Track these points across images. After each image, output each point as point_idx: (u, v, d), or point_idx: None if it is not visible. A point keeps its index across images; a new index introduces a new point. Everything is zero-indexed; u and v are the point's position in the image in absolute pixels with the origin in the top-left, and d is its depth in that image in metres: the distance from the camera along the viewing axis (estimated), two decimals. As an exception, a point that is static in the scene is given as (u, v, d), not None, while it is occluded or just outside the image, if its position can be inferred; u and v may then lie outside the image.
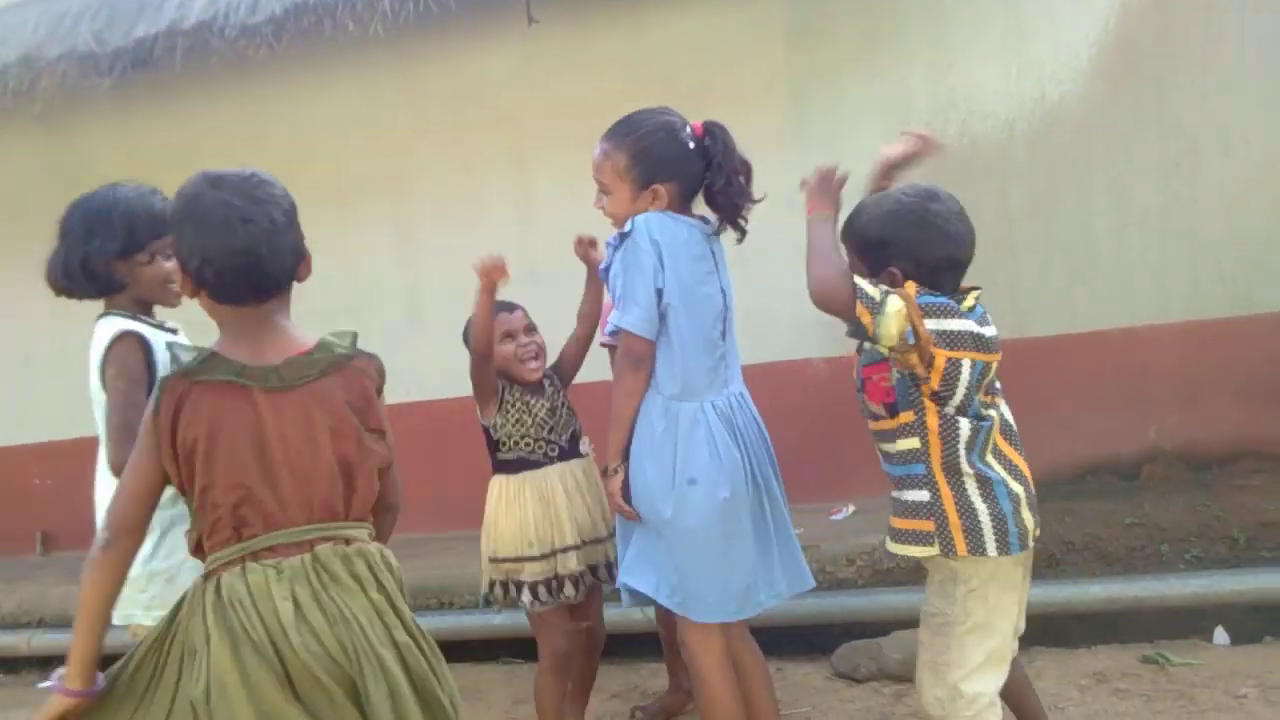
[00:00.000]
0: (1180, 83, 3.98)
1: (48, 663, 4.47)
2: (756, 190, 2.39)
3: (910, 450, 2.06)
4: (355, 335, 1.75)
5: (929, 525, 2.02)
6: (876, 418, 2.12)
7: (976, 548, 1.99)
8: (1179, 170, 3.99)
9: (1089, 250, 4.09)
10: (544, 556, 2.66)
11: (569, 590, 2.66)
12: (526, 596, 2.65)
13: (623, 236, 2.22)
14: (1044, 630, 3.33)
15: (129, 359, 2.10)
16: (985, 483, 2.02)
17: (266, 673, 1.51)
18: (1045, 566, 3.46)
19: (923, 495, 2.04)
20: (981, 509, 2.01)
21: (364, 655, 1.55)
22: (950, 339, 2.00)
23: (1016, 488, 2.06)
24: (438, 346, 3.55)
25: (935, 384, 1.99)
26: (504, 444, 2.73)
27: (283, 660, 1.52)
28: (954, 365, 1.99)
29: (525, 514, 2.67)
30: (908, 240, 2.08)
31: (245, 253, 1.61)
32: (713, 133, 2.30)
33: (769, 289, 4.25)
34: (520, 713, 3.30)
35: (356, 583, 1.60)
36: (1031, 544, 2.07)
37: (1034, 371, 4.09)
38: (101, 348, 2.13)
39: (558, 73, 4.41)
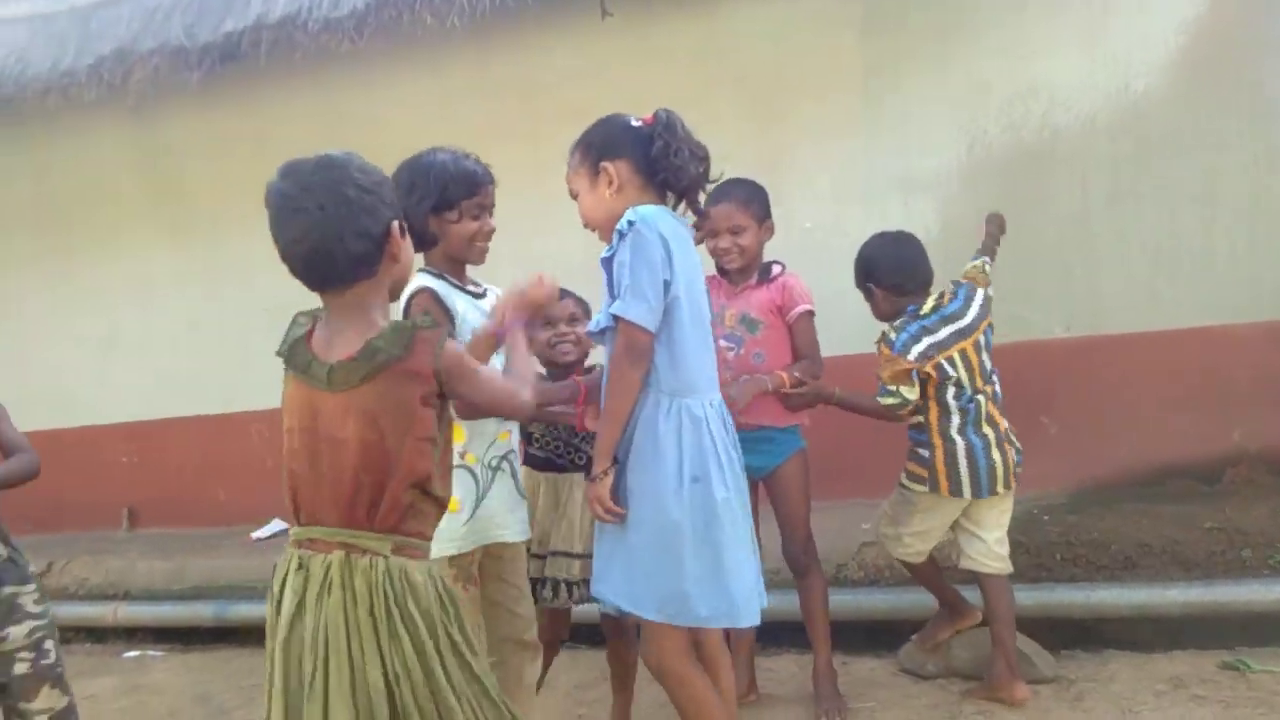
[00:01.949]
0: (1272, 73, 3.84)
1: (133, 634, 4.67)
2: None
3: (918, 424, 2.94)
4: (411, 329, 1.67)
5: (925, 472, 2.91)
6: None
7: (956, 491, 2.87)
8: (1270, 164, 3.85)
9: (1173, 245, 3.97)
10: (538, 556, 2.70)
11: (547, 593, 2.68)
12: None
13: (620, 234, 2.14)
14: (1120, 634, 3.27)
15: (428, 306, 2.23)
16: (971, 449, 2.86)
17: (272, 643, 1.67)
18: (1121, 568, 3.39)
19: (925, 453, 2.92)
20: (964, 468, 2.85)
21: (334, 670, 1.58)
22: (925, 354, 2.84)
23: (996, 456, 2.87)
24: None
25: (931, 387, 2.87)
26: (536, 439, 2.77)
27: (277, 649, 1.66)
28: (940, 367, 2.85)
29: (533, 510, 2.69)
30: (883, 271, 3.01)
31: (296, 242, 1.65)
32: (658, 114, 2.24)
33: (838, 282, 4.23)
34: (585, 696, 3.34)
35: (351, 597, 1.61)
36: (1001, 490, 2.88)
37: (1112, 369, 4.01)
38: (402, 304, 2.24)
39: (630, 65, 4.43)
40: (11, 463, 2.57)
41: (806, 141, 4.35)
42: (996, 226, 3.29)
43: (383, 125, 4.79)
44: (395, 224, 1.71)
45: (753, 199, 2.98)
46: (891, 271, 2.96)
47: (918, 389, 2.85)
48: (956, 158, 4.18)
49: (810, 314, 3.02)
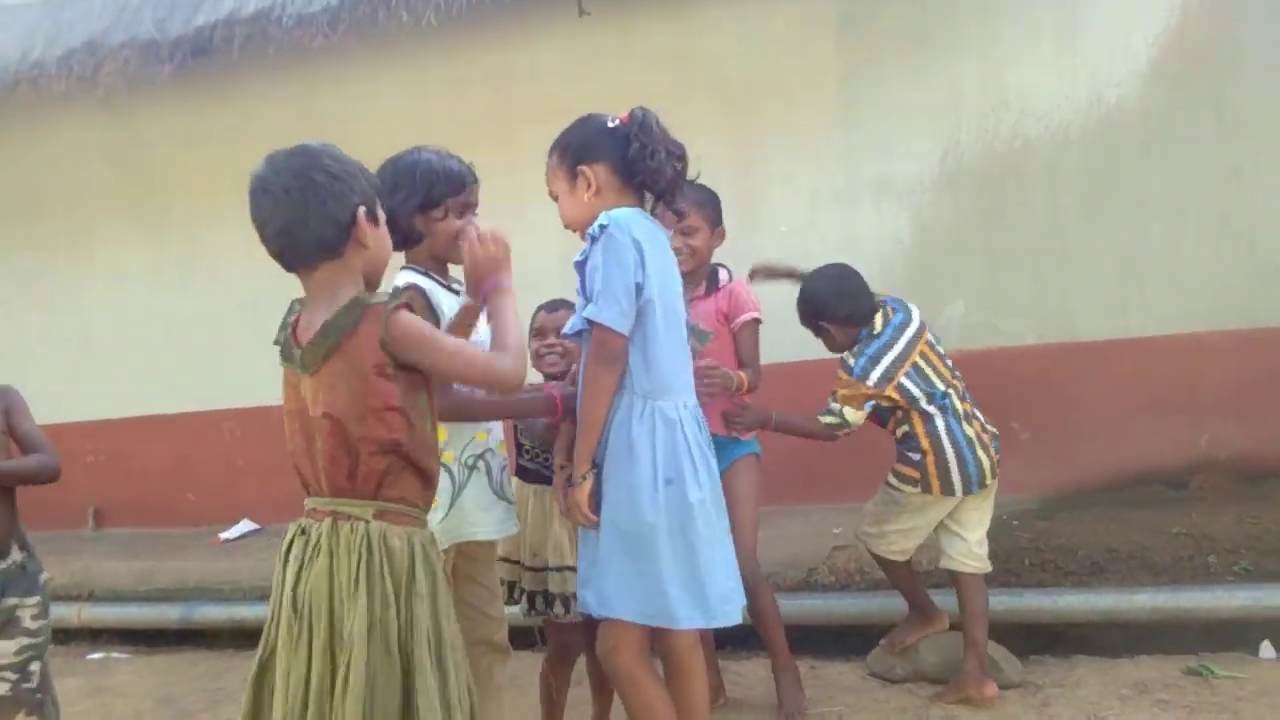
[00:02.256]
0: (1242, 86, 3.89)
1: (98, 635, 4.60)
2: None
3: (904, 433, 2.97)
4: (361, 304, 1.72)
5: (916, 474, 2.93)
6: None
7: (947, 490, 2.91)
8: (1239, 175, 3.90)
9: (1142, 255, 4.02)
10: (535, 570, 2.69)
11: (558, 608, 2.67)
12: (524, 604, 2.71)
13: (592, 238, 2.14)
14: (1086, 638, 3.30)
15: (416, 304, 2.16)
16: (959, 449, 2.89)
17: (277, 613, 1.76)
18: (1089, 574, 3.42)
19: (915, 456, 2.93)
20: (954, 468, 2.89)
21: (317, 627, 1.69)
22: (886, 374, 2.87)
23: (981, 454, 2.92)
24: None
25: (902, 401, 2.90)
26: (526, 450, 2.75)
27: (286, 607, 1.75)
28: (901, 385, 2.88)
29: (524, 524, 2.68)
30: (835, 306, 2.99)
31: (265, 223, 1.75)
32: (634, 114, 2.23)
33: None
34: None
35: (330, 561, 1.72)
36: (989, 483, 2.94)
37: (1082, 376, 4.05)
38: None
39: (607, 65, 4.43)
40: (29, 460, 2.51)
41: (782, 143, 4.36)
42: (766, 275, 3.20)
43: (357, 121, 4.75)
44: (362, 210, 1.76)
45: (706, 202, 2.94)
46: (842, 304, 2.97)
47: (863, 416, 2.90)
48: (930, 166, 4.21)
49: (756, 321, 2.97)
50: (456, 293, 2.31)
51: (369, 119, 4.76)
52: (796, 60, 4.34)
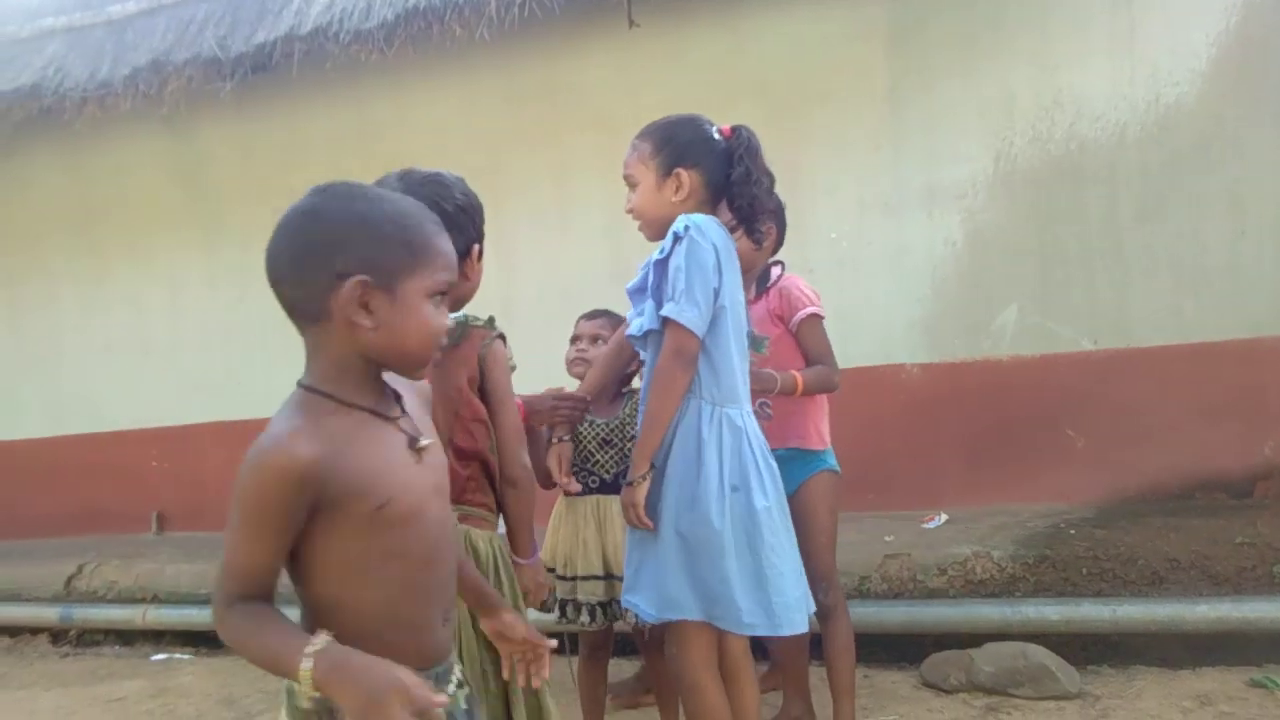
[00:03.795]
0: (1305, 84, 3.81)
1: (161, 636, 4.72)
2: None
3: None
4: (465, 322, 1.89)
5: None
6: None
7: None
8: (1302, 176, 3.81)
9: (1201, 258, 3.94)
10: (565, 578, 2.73)
11: (584, 618, 2.70)
12: (555, 612, 2.74)
13: (676, 237, 2.14)
14: (1147, 649, 3.24)
15: None
16: None
17: None
18: (1149, 583, 3.35)
19: None
20: None
21: None
22: None
23: None
24: (531, 345, 3.62)
25: None
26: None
27: None
28: None
29: (557, 532, 2.75)
30: None
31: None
32: (739, 132, 2.23)
33: (862, 292, 4.23)
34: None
35: None
36: None
37: (1139, 382, 3.97)
38: None
39: (656, 75, 4.46)
40: None
41: (830, 151, 4.35)
42: None
43: (412, 134, 4.85)
44: (476, 248, 1.89)
45: (775, 211, 2.94)
46: None
47: None
48: (982, 169, 4.17)
49: (816, 317, 2.79)
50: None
51: (423, 132, 4.85)
52: (845, 68, 4.33)
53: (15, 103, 5.28)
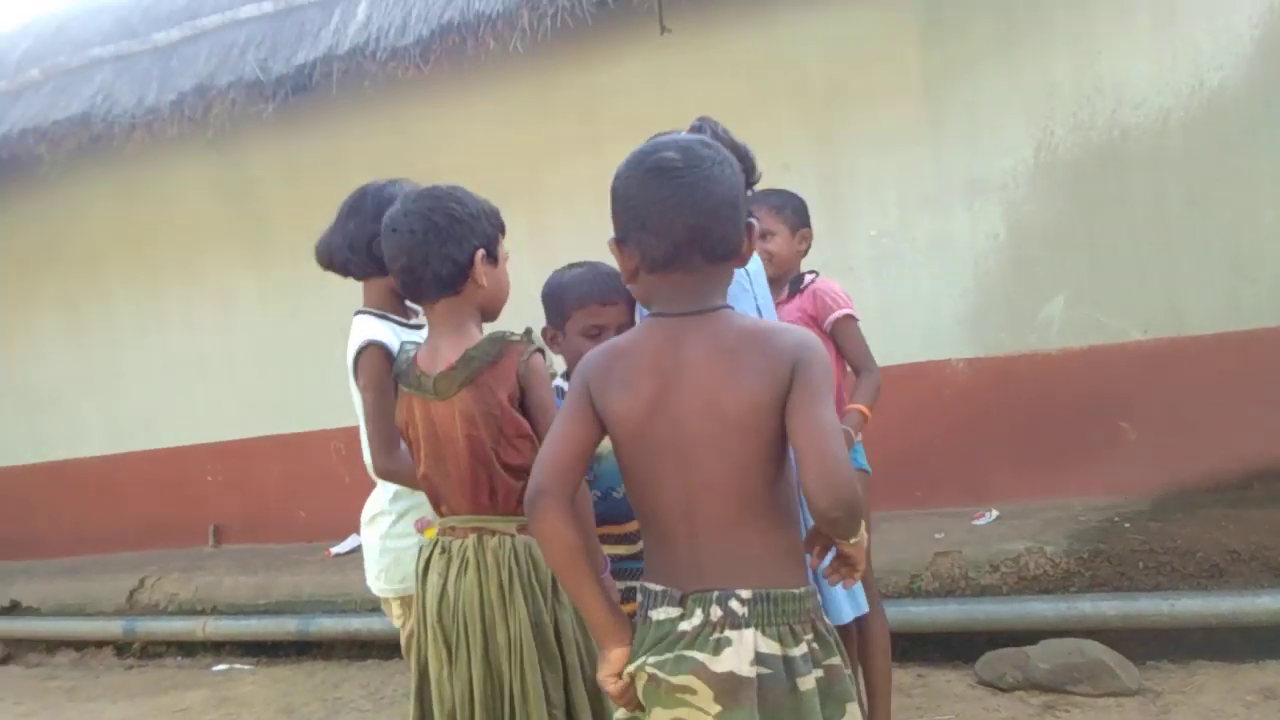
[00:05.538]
0: (1357, 61, 3.71)
1: (221, 647, 4.82)
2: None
3: None
4: (503, 339, 1.89)
5: None
6: None
7: None
8: (1356, 155, 3.72)
9: (1253, 243, 3.86)
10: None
11: None
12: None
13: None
14: (1207, 643, 3.18)
15: (376, 367, 2.14)
16: None
17: (423, 629, 1.92)
18: (1208, 576, 3.29)
19: None
20: None
21: (471, 636, 1.83)
22: None
23: None
24: (576, 350, 3.66)
25: None
26: None
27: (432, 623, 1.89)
28: None
29: None
30: None
31: (392, 259, 1.93)
32: (699, 128, 2.16)
33: (905, 288, 4.20)
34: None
35: (479, 574, 1.86)
36: None
37: (1192, 372, 3.90)
38: (350, 357, 2.20)
39: (689, 78, 4.46)
40: None
41: (869, 149, 4.32)
42: None
43: (449, 146, 4.91)
44: (480, 253, 1.91)
45: (786, 205, 2.83)
46: None
47: None
48: (1023, 160, 4.12)
49: (851, 319, 2.74)
50: (413, 326, 2.29)
51: (460, 144, 4.91)
52: (881, 64, 4.30)
53: (67, 131, 5.41)
